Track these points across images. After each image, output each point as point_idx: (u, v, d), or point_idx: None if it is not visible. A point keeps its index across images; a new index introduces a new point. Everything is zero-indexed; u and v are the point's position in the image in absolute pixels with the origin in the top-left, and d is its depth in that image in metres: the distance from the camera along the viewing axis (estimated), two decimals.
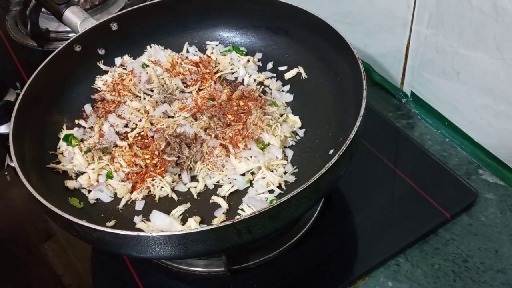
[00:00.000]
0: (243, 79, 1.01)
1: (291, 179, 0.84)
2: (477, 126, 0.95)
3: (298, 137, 0.91)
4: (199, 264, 0.84)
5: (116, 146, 0.91)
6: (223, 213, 0.82)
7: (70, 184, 0.84)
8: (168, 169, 0.85)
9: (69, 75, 0.97)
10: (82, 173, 0.87)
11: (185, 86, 1.00)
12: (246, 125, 0.89)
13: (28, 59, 1.27)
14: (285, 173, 0.85)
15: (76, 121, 0.94)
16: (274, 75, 1.01)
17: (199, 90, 0.98)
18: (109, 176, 0.86)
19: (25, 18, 1.24)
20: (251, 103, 0.93)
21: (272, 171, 0.85)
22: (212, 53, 1.05)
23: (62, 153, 0.89)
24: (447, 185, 0.91)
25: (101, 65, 1.01)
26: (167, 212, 0.81)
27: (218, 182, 0.85)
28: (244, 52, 1.05)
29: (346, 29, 0.88)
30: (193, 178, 0.87)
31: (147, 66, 1.01)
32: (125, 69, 1.02)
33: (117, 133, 0.94)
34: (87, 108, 0.97)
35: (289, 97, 0.97)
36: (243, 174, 0.85)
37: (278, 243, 0.85)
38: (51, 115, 0.92)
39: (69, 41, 0.96)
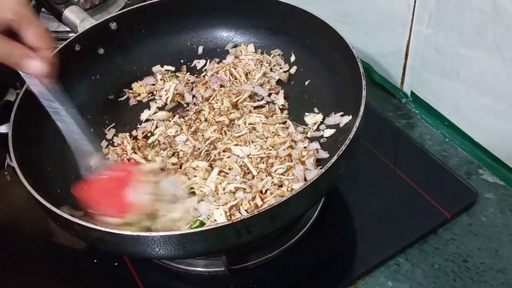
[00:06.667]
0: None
1: None
2: (477, 126, 0.95)
3: None
4: (199, 264, 0.84)
5: None
6: None
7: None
8: None
9: (69, 74, 0.96)
10: None
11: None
12: None
13: None
14: None
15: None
16: None
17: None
18: None
19: None
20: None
21: None
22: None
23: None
24: (447, 185, 0.91)
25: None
26: None
27: None
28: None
29: (346, 29, 0.88)
30: None
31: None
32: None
33: None
34: None
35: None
36: None
37: (278, 243, 0.85)
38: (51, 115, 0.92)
39: (68, 40, 0.96)
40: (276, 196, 0.78)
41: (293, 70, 1.00)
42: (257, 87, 0.96)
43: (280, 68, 1.00)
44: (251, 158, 0.83)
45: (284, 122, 0.91)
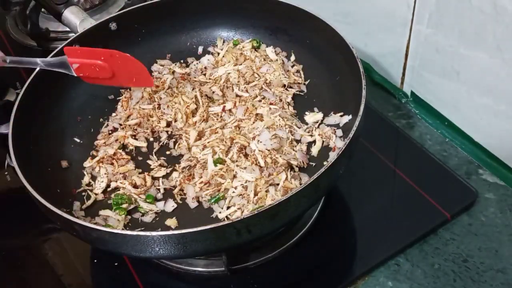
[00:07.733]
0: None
1: None
2: (477, 126, 0.95)
3: None
4: (199, 264, 0.84)
5: None
6: None
7: None
8: None
9: (69, 74, 0.96)
10: None
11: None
12: None
13: None
14: None
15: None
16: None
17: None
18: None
19: (25, 18, 1.24)
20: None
21: None
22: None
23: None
24: (447, 185, 0.91)
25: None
26: None
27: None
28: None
29: (346, 29, 0.88)
30: None
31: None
32: None
33: None
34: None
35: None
36: None
37: (278, 243, 0.85)
38: (51, 114, 0.92)
39: (68, 41, 0.96)
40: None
41: (293, 70, 1.00)
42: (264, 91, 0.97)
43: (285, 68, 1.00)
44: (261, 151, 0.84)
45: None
